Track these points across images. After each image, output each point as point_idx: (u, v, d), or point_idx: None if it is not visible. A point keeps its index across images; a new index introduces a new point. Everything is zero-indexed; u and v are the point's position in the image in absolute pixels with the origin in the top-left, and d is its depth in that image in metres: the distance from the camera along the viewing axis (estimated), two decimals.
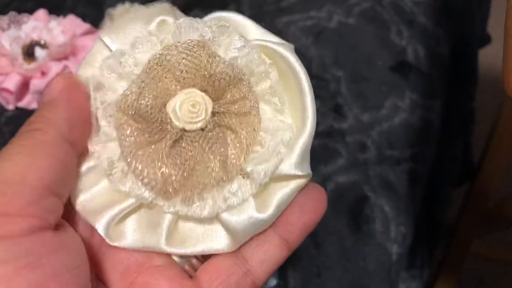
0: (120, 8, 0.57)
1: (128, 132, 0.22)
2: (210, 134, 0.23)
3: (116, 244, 0.22)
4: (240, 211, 0.23)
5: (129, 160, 0.22)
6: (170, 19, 0.23)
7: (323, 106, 0.51)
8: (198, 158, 0.23)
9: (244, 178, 0.23)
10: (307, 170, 0.23)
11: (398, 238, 0.44)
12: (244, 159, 0.23)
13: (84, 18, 0.56)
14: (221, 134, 0.23)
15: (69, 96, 0.22)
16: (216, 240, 0.23)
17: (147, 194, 0.22)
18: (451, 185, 0.59)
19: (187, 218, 0.23)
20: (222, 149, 0.23)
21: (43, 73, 0.51)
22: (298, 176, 0.23)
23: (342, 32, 0.57)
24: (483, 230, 0.70)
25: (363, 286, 0.41)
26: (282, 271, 0.40)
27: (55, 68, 0.50)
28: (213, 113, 0.23)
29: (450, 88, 0.59)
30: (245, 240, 0.23)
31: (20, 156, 0.19)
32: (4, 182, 0.19)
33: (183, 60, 0.23)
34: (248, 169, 0.22)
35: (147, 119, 0.22)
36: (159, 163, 0.22)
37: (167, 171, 0.22)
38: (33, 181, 0.19)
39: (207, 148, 0.23)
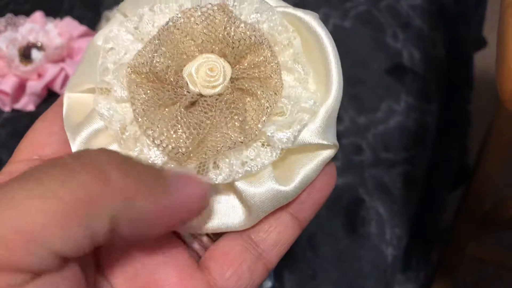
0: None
1: (141, 90, 0.21)
2: (227, 97, 0.21)
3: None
4: (259, 182, 0.21)
5: (140, 120, 0.20)
6: None
7: None
8: (214, 123, 0.21)
9: (263, 145, 0.21)
10: (332, 139, 0.21)
11: (393, 241, 0.44)
12: (264, 121, 0.21)
13: (81, 21, 0.56)
14: (240, 99, 0.21)
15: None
16: (230, 215, 0.21)
17: (159, 159, 0.20)
18: (446, 187, 0.59)
19: None
20: (241, 113, 0.21)
21: (40, 75, 0.51)
22: (323, 146, 0.21)
23: (338, 35, 0.57)
24: (479, 233, 0.70)
25: None
26: (278, 273, 0.40)
27: (51, 70, 0.50)
28: (232, 80, 0.22)
29: (446, 91, 0.59)
30: (262, 216, 0.21)
31: (49, 207, 0.15)
32: (17, 231, 0.15)
33: (202, 23, 0.21)
34: (268, 133, 0.21)
35: (161, 80, 0.21)
36: (173, 125, 0.21)
37: (180, 132, 0.20)
38: (55, 246, 0.15)
39: (224, 112, 0.21)
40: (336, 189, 0.46)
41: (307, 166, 0.21)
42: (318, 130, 0.21)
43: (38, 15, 0.55)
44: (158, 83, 0.21)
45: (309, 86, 0.22)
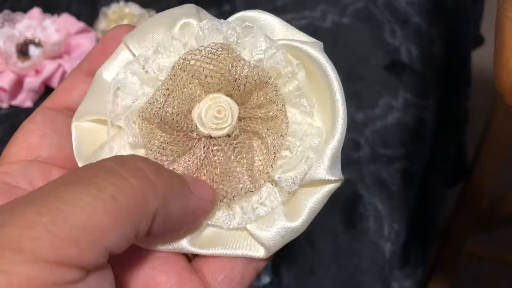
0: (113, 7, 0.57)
1: (156, 143, 0.22)
2: (236, 141, 0.22)
3: (147, 246, 0.21)
4: (269, 222, 0.22)
5: None
6: (193, 21, 0.23)
7: None
8: (225, 167, 0.22)
9: (272, 185, 0.22)
10: (338, 174, 0.22)
11: (391, 236, 0.44)
12: (272, 166, 0.22)
13: (79, 17, 0.56)
14: (247, 141, 0.23)
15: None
16: (251, 247, 0.22)
17: None
18: (444, 184, 0.59)
19: (215, 226, 0.22)
20: (249, 157, 0.22)
21: (37, 72, 0.51)
22: (330, 181, 0.22)
23: (336, 31, 0.57)
24: (476, 230, 0.70)
25: (356, 284, 0.41)
26: (276, 268, 0.40)
27: (49, 66, 0.50)
28: (239, 118, 0.23)
29: (444, 88, 0.59)
30: (278, 248, 0.22)
31: (108, 207, 0.17)
32: (84, 228, 0.16)
33: (207, 65, 0.22)
34: (276, 177, 0.22)
35: (172, 126, 0.22)
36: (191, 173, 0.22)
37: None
38: (109, 242, 0.17)
39: (233, 157, 0.22)
40: None
41: (314, 199, 0.22)
42: (326, 168, 0.22)
43: (35, 12, 0.55)
44: (169, 131, 0.22)
45: (314, 118, 0.23)
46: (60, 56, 0.52)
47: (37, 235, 0.15)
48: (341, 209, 0.44)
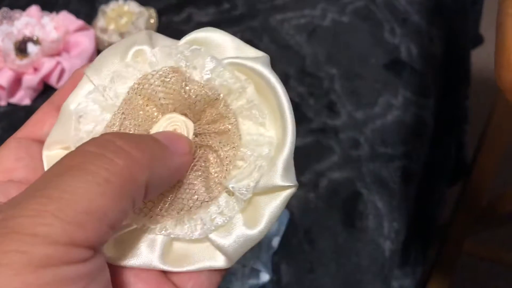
0: (112, 5, 0.57)
1: None
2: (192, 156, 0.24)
3: (119, 263, 0.22)
4: (229, 230, 0.23)
5: None
6: (146, 48, 0.24)
7: (317, 103, 0.51)
8: (182, 180, 0.23)
9: (230, 195, 0.23)
10: (293, 180, 0.23)
11: (391, 234, 0.44)
12: (226, 176, 0.23)
13: (77, 15, 0.56)
14: (203, 155, 0.24)
15: (185, 160, 0.23)
16: (213, 258, 0.23)
17: (139, 220, 0.23)
18: (444, 183, 0.59)
19: (179, 239, 0.24)
20: (204, 169, 0.24)
21: (36, 69, 0.51)
22: (285, 187, 0.23)
23: (336, 30, 0.57)
24: (476, 229, 0.70)
25: (356, 282, 0.41)
26: (276, 266, 0.40)
27: (47, 64, 0.50)
28: (195, 134, 0.24)
29: (443, 87, 0.59)
30: (240, 256, 0.23)
31: (104, 189, 0.18)
32: (87, 212, 0.18)
33: (160, 87, 0.24)
34: (230, 186, 0.23)
35: None
36: None
37: (153, 201, 0.23)
38: (110, 220, 0.18)
39: (190, 171, 0.23)
40: (334, 183, 0.45)
41: (272, 206, 0.23)
42: (280, 175, 0.23)
43: (34, 9, 0.55)
44: None
45: (267, 128, 0.24)
46: (58, 54, 0.52)
47: (47, 221, 0.17)
48: (340, 207, 0.44)
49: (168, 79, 0.24)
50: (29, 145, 0.24)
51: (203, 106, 0.24)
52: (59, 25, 0.53)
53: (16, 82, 0.50)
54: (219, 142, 0.24)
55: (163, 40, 0.25)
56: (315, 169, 0.46)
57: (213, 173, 0.24)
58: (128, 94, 0.24)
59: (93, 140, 0.20)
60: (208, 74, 0.24)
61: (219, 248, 0.23)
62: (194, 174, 0.23)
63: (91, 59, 0.53)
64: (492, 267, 0.88)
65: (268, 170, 0.23)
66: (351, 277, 0.41)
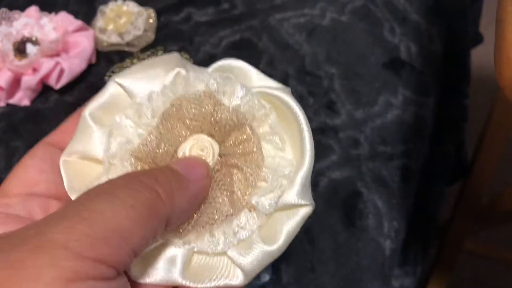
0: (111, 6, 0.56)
1: None
2: (217, 174, 0.25)
3: (140, 280, 0.23)
4: (248, 247, 0.24)
5: None
6: (183, 71, 0.26)
7: (316, 103, 0.51)
8: (208, 197, 0.25)
9: (250, 211, 0.25)
10: (309, 199, 0.25)
11: (391, 233, 0.44)
12: (250, 193, 0.25)
13: (76, 15, 0.56)
14: (227, 173, 0.25)
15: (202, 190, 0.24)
16: (232, 274, 0.24)
17: (164, 235, 0.24)
18: (443, 182, 0.59)
19: (201, 253, 0.25)
20: (228, 185, 0.25)
21: (35, 70, 0.50)
22: (302, 205, 0.25)
23: (335, 29, 0.57)
24: (476, 228, 0.70)
25: (356, 281, 0.41)
26: (276, 266, 0.40)
27: (46, 64, 0.50)
28: (220, 155, 0.26)
29: (443, 86, 0.59)
30: (256, 273, 0.25)
31: (131, 214, 0.20)
32: (114, 231, 0.19)
33: (192, 110, 0.25)
34: (253, 201, 0.25)
35: (161, 164, 0.25)
36: None
37: None
38: (134, 244, 0.20)
39: (215, 186, 0.25)
40: (334, 182, 0.45)
41: (289, 224, 0.25)
42: (297, 193, 0.25)
43: (33, 10, 0.54)
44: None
45: (286, 152, 0.26)
46: (57, 54, 0.52)
47: (77, 237, 0.18)
48: (340, 206, 0.44)
49: (200, 102, 0.25)
50: (55, 156, 0.25)
51: (230, 130, 0.26)
52: (58, 25, 0.53)
53: (15, 83, 0.50)
54: (245, 162, 0.26)
55: (191, 66, 0.27)
56: (315, 168, 0.46)
57: (236, 190, 0.25)
58: (163, 114, 0.25)
59: (120, 176, 0.22)
60: (238, 100, 0.26)
61: (238, 264, 0.24)
62: (219, 190, 0.25)
63: (90, 59, 0.53)
64: (492, 265, 0.88)
65: (288, 190, 0.25)
66: (351, 276, 0.41)
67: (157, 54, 0.51)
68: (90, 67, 0.53)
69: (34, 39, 0.52)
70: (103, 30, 0.55)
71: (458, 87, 0.66)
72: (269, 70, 0.53)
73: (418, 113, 0.52)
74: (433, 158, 0.56)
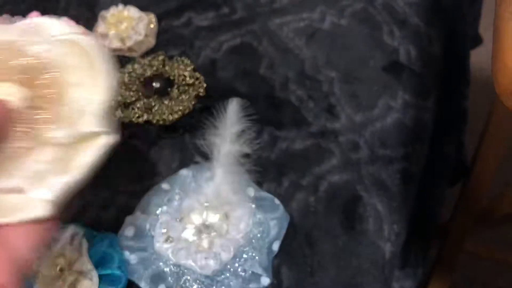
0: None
1: None
2: (23, 114, 0.27)
3: None
4: (43, 178, 0.26)
5: None
6: None
7: (316, 107, 0.51)
8: (9, 136, 0.26)
9: (49, 145, 0.27)
10: (107, 127, 0.27)
11: (391, 237, 0.44)
12: (48, 131, 0.27)
13: (78, 20, 0.56)
14: (32, 113, 0.27)
15: None
16: (30, 208, 0.26)
17: None
18: (444, 184, 0.60)
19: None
20: (33, 125, 0.27)
21: None
22: (99, 133, 0.27)
23: (335, 33, 0.57)
24: (476, 229, 0.70)
25: (357, 285, 0.41)
26: (276, 270, 0.41)
27: None
28: (26, 99, 0.27)
29: (443, 88, 0.59)
30: (61, 203, 0.26)
31: None
32: None
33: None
34: (50, 135, 0.27)
35: None
36: None
37: None
38: None
39: (19, 126, 0.27)
40: (334, 186, 0.46)
41: (87, 153, 0.27)
42: (92, 122, 0.27)
43: (34, 15, 0.55)
44: None
45: (86, 89, 0.28)
46: None
47: None
48: (340, 210, 0.44)
49: (3, 51, 0.28)
50: None
51: (36, 74, 0.28)
52: None
53: None
54: (48, 102, 0.28)
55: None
56: (315, 172, 0.46)
57: (39, 128, 0.27)
58: None
59: None
60: (41, 48, 0.29)
61: (39, 197, 0.26)
62: (23, 128, 0.27)
63: None
64: (492, 266, 0.88)
65: (82, 120, 0.27)
66: (351, 280, 0.41)
67: (158, 59, 0.52)
68: None
69: None
70: (104, 36, 0.55)
71: (457, 89, 0.66)
72: (269, 74, 0.53)
73: (418, 116, 0.52)
74: (433, 160, 0.56)
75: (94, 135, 0.27)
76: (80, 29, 0.31)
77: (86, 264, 0.38)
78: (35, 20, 0.32)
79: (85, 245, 0.39)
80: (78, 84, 0.28)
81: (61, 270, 0.38)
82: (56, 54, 0.29)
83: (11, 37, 0.29)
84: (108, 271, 0.39)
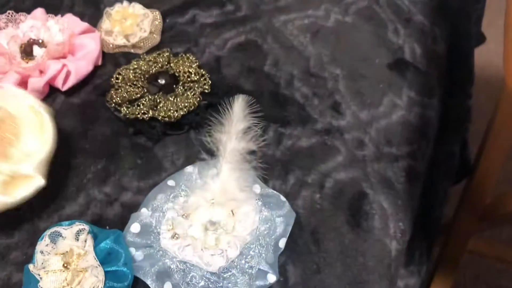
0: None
1: None
2: None
3: None
4: None
5: None
6: None
7: (321, 104, 0.51)
8: None
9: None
10: (40, 174, 0.41)
11: (397, 234, 0.44)
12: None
13: (82, 17, 0.56)
14: None
15: None
16: None
17: None
18: (448, 182, 0.60)
19: None
20: None
21: (41, 72, 0.51)
22: (33, 177, 0.40)
23: (340, 30, 0.57)
24: (480, 227, 0.70)
25: (362, 282, 0.41)
26: (282, 267, 0.40)
27: (53, 66, 0.50)
28: None
29: (447, 86, 0.59)
30: None
31: None
32: None
33: None
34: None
35: None
36: None
37: None
38: None
39: None
40: (340, 183, 0.46)
41: (23, 189, 0.40)
42: (34, 165, 0.41)
43: (39, 12, 0.55)
44: None
45: (34, 141, 0.42)
46: (64, 56, 0.52)
47: None
48: (346, 208, 0.44)
49: None
50: None
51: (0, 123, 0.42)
52: (64, 27, 0.53)
53: (22, 85, 0.51)
54: (4, 143, 0.40)
55: None
56: (321, 169, 0.46)
57: None
58: None
59: None
60: (8, 105, 0.42)
61: None
62: None
63: (96, 61, 0.53)
64: (496, 264, 0.88)
65: (25, 163, 0.40)
66: (357, 277, 0.41)
67: (163, 56, 0.52)
68: (96, 69, 0.53)
69: (40, 41, 0.52)
70: (109, 32, 0.55)
71: (462, 88, 0.66)
72: (274, 72, 0.53)
73: (423, 114, 0.52)
74: (438, 158, 0.56)
75: (30, 177, 0.40)
76: (36, 97, 0.45)
77: (92, 261, 0.38)
78: (7, 86, 0.45)
79: (91, 242, 0.39)
80: (30, 135, 0.41)
81: (67, 266, 0.38)
82: (19, 111, 0.42)
83: None
84: (114, 268, 0.39)
